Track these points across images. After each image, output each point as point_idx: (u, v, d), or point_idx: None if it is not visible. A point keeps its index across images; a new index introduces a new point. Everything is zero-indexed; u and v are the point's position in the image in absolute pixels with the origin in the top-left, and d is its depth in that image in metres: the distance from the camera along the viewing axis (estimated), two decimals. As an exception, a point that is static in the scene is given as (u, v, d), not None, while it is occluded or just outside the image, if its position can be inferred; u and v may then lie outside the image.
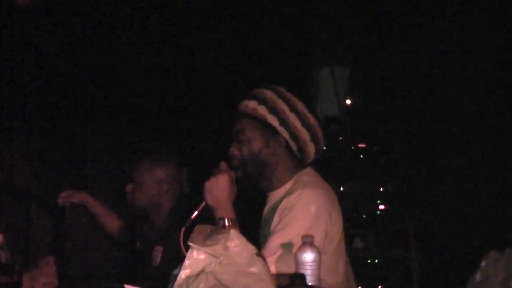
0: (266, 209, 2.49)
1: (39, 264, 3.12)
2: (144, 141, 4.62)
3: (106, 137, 4.68)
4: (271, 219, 2.40)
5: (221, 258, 1.43)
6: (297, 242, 2.11)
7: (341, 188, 3.86)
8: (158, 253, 3.03)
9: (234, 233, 1.48)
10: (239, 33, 4.62)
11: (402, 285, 3.86)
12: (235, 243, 1.47)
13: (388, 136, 4.34)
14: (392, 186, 4.02)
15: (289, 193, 2.38)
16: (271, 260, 2.19)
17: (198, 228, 1.52)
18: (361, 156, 4.07)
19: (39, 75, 4.45)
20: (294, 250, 2.07)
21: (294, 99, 2.45)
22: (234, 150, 2.45)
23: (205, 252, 1.42)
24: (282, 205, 2.37)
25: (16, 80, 4.39)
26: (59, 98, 4.51)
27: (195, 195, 3.46)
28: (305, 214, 2.33)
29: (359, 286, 3.78)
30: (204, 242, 1.44)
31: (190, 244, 1.42)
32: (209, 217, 2.36)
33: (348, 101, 4.28)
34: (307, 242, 2.00)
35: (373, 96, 4.40)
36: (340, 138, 4.13)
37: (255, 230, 2.52)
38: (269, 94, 2.45)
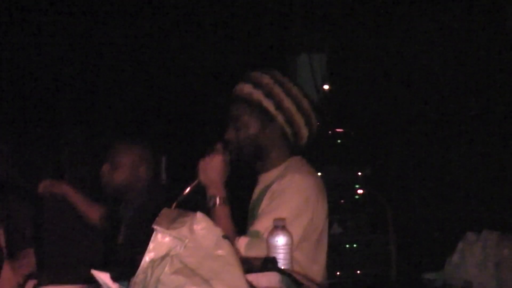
0: (257, 190, 2.53)
1: (19, 255, 3.11)
2: (122, 131, 4.61)
3: (82, 127, 4.66)
4: (261, 200, 2.43)
5: (187, 241, 1.42)
6: (286, 224, 2.14)
7: (319, 173, 3.87)
8: (122, 229, 3.08)
9: (200, 216, 1.47)
10: (216, 20, 4.61)
11: (381, 270, 3.88)
12: (201, 225, 1.46)
13: (366, 120, 4.35)
14: (370, 170, 4.03)
15: (281, 176, 2.43)
16: (259, 240, 2.21)
17: (164, 211, 1.51)
18: (339, 140, 4.07)
19: (17, 68, 4.42)
20: None
21: (289, 83, 2.49)
22: (230, 134, 2.48)
23: (170, 235, 1.41)
24: (273, 187, 2.41)
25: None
26: (35, 87, 4.48)
27: (174, 184, 3.48)
28: (295, 199, 2.37)
29: (337, 272, 3.81)
30: (169, 225, 1.43)
31: (155, 227, 1.41)
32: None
33: (326, 87, 4.28)
34: (279, 225, 2.01)
35: (351, 81, 4.41)
36: (318, 123, 4.13)
37: (244, 210, 2.55)
38: (265, 78, 2.48)
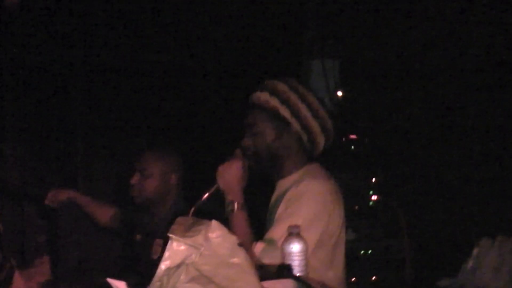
0: (274, 196, 2.54)
1: (34, 263, 3.12)
2: (137, 137, 4.62)
3: (97, 134, 4.67)
4: (277, 206, 2.43)
5: (202, 249, 1.42)
6: (302, 230, 2.15)
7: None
8: (158, 246, 3.04)
9: (215, 224, 1.48)
10: (230, 26, 4.61)
11: (395, 276, 3.86)
12: (216, 234, 1.46)
13: (379, 127, 4.33)
14: (384, 177, 4.02)
15: (297, 182, 2.43)
16: (273, 247, 2.21)
17: (179, 219, 1.51)
18: (352, 147, 4.06)
19: (30, 71, 4.44)
20: None
21: (305, 90, 2.50)
22: (247, 142, 2.49)
23: (185, 243, 1.41)
24: (289, 193, 2.42)
25: (6, 78, 4.39)
26: (50, 96, 4.50)
27: (190, 191, 3.47)
28: (311, 205, 2.37)
29: (352, 278, 3.80)
30: (184, 233, 1.44)
31: (170, 235, 1.42)
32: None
33: (339, 93, 4.27)
34: (294, 232, 2.01)
35: (364, 88, 4.40)
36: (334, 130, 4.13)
37: (262, 216, 2.56)
38: (280, 85, 2.49)
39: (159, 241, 3.05)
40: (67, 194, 3.39)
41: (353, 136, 4.10)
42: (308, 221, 2.32)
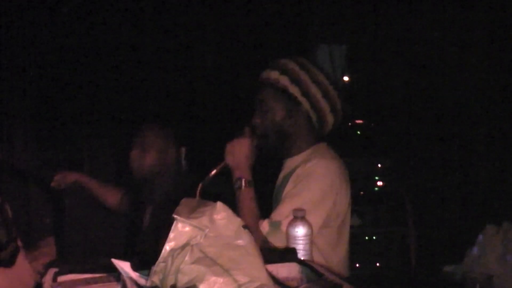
0: (282, 174, 2.53)
1: (40, 244, 3.13)
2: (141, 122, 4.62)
3: (102, 119, 4.68)
4: (285, 184, 2.43)
5: (207, 230, 1.42)
6: (310, 208, 2.16)
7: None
8: (148, 213, 3.06)
9: (220, 206, 1.47)
10: (236, 13, 4.60)
11: (399, 262, 3.86)
12: (222, 215, 1.45)
13: (386, 112, 4.33)
14: (390, 162, 4.01)
15: (305, 161, 2.43)
16: (284, 223, 2.21)
17: (184, 201, 1.51)
18: (359, 132, 4.05)
19: (35, 60, 4.45)
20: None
21: (315, 70, 2.48)
22: (256, 119, 2.48)
23: (190, 225, 1.41)
24: (298, 171, 2.42)
25: (13, 66, 4.40)
26: (54, 81, 4.51)
27: (193, 174, 3.47)
28: (319, 184, 2.36)
29: (356, 263, 3.80)
30: (189, 214, 1.43)
31: (175, 216, 1.41)
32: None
33: (346, 78, 4.26)
34: (298, 216, 2.00)
35: (370, 73, 4.38)
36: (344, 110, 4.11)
37: (268, 194, 2.56)
38: (291, 64, 2.48)
39: (149, 208, 3.08)
40: (74, 176, 3.38)
41: (359, 121, 4.09)
42: (316, 200, 2.32)
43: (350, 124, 4.05)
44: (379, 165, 3.99)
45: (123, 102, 4.65)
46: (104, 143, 4.68)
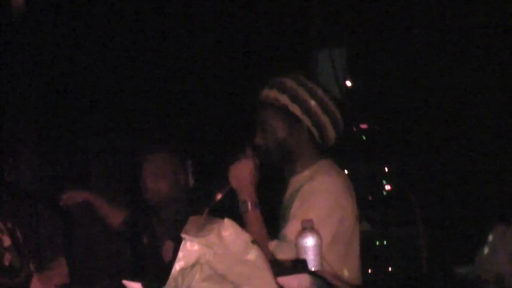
0: (287, 193, 2.53)
1: (51, 265, 3.12)
2: (146, 137, 4.62)
3: (108, 134, 4.67)
4: (291, 203, 2.43)
5: (216, 247, 1.42)
6: (317, 226, 2.14)
7: (346, 171, 3.84)
8: (169, 248, 3.04)
9: (228, 222, 1.47)
10: (236, 17, 4.59)
11: (411, 265, 3.84)
12: (229, 231, 1.45)
13: (390, 115, 4.31)
14: (396, 165, 3.99)
15: (310, 178, 2.42)
16: (291, 241, 2.21)
17: (191, 219, 1.51)
18: (364, 137, 4.04)
19: (39, 74, 4.45)
20: None
21: (314, 86, 2.50)
22: (259, 140, 2.49)
23: (198, 243, 1.41)
24: (303, 189, 2.42)
25: (16, 81, 4.40)
26: (59, 97, 4.51)
27: (200, 188, 3.47)
28: (325, 200, 2.38)
29: (368, 269, 3.79)
30: (197, 232, 1.43)
31: (183, 235, 1.41)
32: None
33: (348, 83, 4.25)
34: (307, 227, 2.00)
35: (372, 76, 4.37)
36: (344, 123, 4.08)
37: (273, 213, 2.56)
38: (289, 82, 2.49)
39: (169, 243, 3.06)
40: (82, 195, 3.39)
41: (364, 125, 4.07)
42: (322, 217, 2.31)
43: (355, 129, 4.04)
44: (386, 169, 3.98)
45: (127, 114, 4.65)
46: (110, 157, 4.68)
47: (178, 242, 2.97)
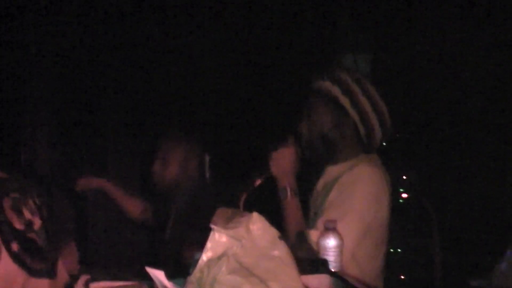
0: (322, 180, 2.51)
1: (63, 252, 3.12)
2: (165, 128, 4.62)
3: (126, 124, 4.68)
4: (327, 191, 2.40)
5: (243, 241, 1.41)
6: (352, 217, 2.20)
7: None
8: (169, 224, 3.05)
9: (256, 216, 1.47)
10: (261, 19, 4.59)
11: (424, 275, 3.82)
12: (258, 226, 1.45)
13: (411, 122, 4.29)
14: (415, 174, 3.97)
15: (350, 168, 2.40)
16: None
17: (219, 211, 1.50)
18: (384, 143, 4.01)
19: (58, 58, 4.46)
20: None
21: (367, 84, 2.48)
22: (303, 128, 2.48)
23: (227, 235, 1.40)
24: (342, 179, 2.40)
25: (35, 65, 4.41)
26: (79, 83, 4.52)
27: (217, 182, 3.46)
28: (364, 193, 2.37)
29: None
30: (226, 224, 1.43)
31: (212, 226, 1.41)
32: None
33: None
34: (330, 228, 1.99)
35: (396, 82, 4.35)
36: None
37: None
38: (343, 75, 2.48)
39: (171, 219, 3.07)
40: (98, 182, 3.38)
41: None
42: (359, 209, 2.30)
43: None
44: (404, 177, 3.95)
45: (148, 105, 4.65)
46: (129, 144, 4.68)
47: (181, 228, 2.98)
